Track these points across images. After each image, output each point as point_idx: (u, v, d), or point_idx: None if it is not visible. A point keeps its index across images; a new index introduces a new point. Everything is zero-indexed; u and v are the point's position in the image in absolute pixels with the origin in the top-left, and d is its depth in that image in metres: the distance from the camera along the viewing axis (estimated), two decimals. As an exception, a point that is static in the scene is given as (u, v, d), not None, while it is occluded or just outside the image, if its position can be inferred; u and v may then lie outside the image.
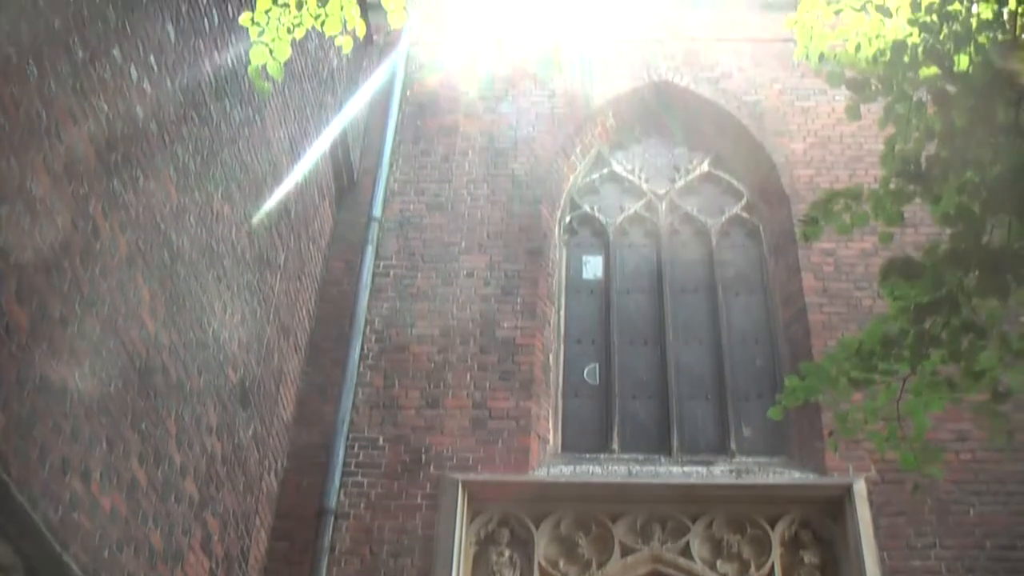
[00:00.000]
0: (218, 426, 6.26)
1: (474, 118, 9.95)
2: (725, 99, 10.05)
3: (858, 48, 4.94)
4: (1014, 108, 3.89)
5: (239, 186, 6.64)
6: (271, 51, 5.14)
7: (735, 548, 7.28)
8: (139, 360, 5.12)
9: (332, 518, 7.39)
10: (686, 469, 7.81)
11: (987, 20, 4.40)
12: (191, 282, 5.81)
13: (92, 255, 4.60)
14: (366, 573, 7.19)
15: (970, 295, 3.87)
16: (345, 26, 5.36)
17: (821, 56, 5.26)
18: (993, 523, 7.23)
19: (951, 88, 4.17)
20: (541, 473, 7.74)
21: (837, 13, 5.16)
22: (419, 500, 7.51)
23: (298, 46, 7.24)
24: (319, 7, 5.23)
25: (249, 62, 5.19)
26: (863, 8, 5.03)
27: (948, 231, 3.99)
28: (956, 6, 4.46)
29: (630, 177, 9.89)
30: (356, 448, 7.79)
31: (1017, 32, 4.35)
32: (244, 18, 5.20)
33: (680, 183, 9.82)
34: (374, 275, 8.76)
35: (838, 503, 7.38)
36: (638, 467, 7.84)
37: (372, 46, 10.20)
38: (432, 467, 7.66)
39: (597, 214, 9.66)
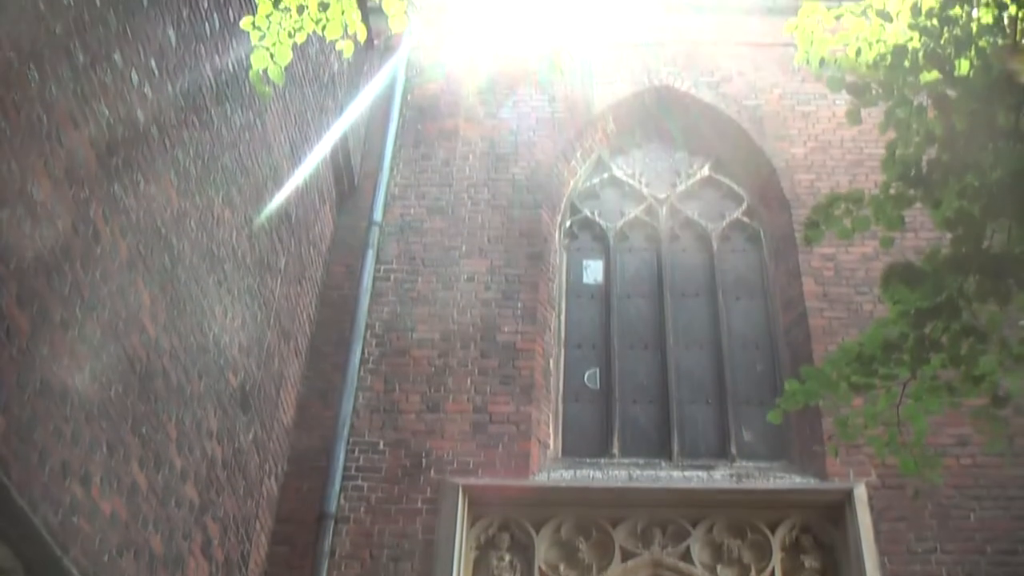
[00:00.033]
0: (218, 430, 6.26)
1: (475, 122, 9.95)
2: (725, 103, 10.05)
3: (858, 52, 4.95)
4: (1014, 112, 3.90)
5: (240, 190, 6.64)
6: (272, 55, 5.15)
7: (735, 553, 7.28)
8: (139, 364, 5.12)
9: (332, 522, 7.38)
10: (686, 474, 7.80)
11: (987, 24, 4.41)
12: (192, 286, 5.81)
13: (93, 259, 4.61)
14: (366, 577, 7.19)
15: (970, 299, 3.87)
16: (346, 30, 5.37)
17: (822, 60, 5.27)
18: (994, 528, 7.22)
19: (952, 92, 4.17)
20: (541, 478, 7.73)
21: (838, 18, 5.18)
22: (419, 504, 7.50)
23: (299, 50, 7.23)
24: (320, 11, 5.25)
25: (250, 66, 5.21)
26: (864, 13, 5.04)
27: (949, 235, 4.00)
28: (956, 10, 4.46)
29: (631, 181, 9.88)
30: (356, 452, 7.78)
31: (1017, 36, 4.35)
32: (245, 22, 5.21)
33: (681, 187, 9.82)
34: (375, 279, 8.76)
35: (839, 508, 7.38)
36: (638, 472, 7.83)
37: (373, 50, 10.20)
38: (432, 471, 7.65)
39: (598, 218, 9.66)
